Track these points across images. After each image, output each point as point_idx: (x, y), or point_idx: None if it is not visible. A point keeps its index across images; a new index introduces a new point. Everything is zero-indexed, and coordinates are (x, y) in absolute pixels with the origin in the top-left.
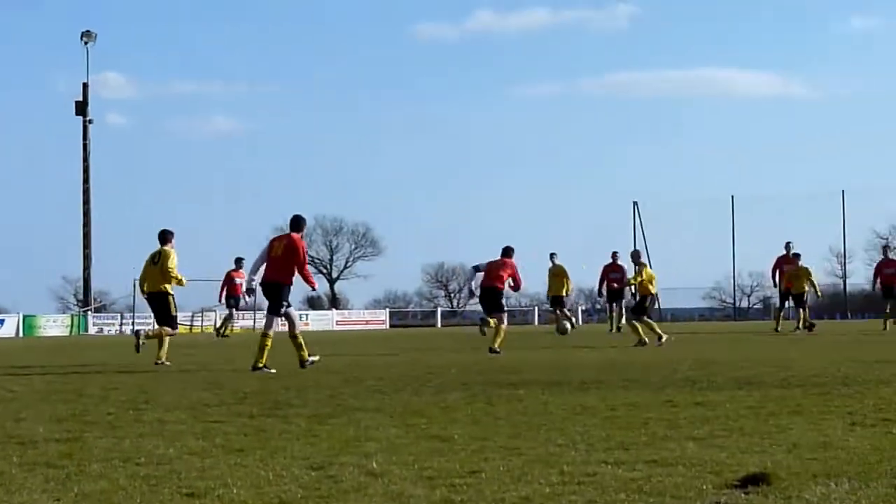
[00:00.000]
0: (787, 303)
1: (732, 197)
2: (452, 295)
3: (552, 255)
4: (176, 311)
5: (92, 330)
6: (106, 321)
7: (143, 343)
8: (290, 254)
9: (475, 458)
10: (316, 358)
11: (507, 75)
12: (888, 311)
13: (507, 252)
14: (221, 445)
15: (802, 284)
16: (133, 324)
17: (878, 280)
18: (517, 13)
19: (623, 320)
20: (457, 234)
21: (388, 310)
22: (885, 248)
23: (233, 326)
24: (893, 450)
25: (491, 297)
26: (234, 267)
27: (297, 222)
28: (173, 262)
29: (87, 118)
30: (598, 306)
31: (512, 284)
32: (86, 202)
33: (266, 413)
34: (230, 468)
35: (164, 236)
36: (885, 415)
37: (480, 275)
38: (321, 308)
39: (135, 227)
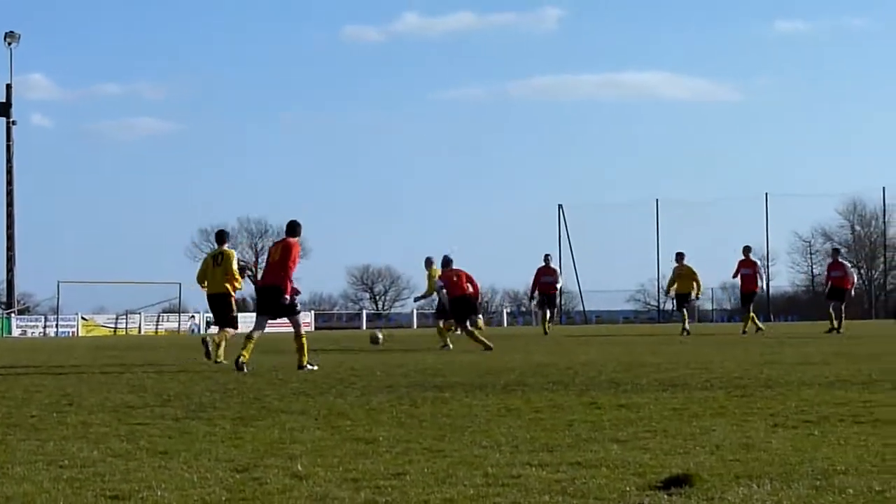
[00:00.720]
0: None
1: (657, 200)
2: (378, 297)
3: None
4: (236, 310)
5: (15, 332)
6: (30, 323)
7: (211, 347)
8: (288, 258)
9: (400, 459)
10: (315, 367)
11: (432, 79)
12: (832, 312)
13: (449, 261)
14: (146, 448)
15: (689, 284)
16: (57, 326)
17: (829, 283)
18: (443, 17)
19: (549, 323)
20: (381, 237)
21: (313, 312)
22: (836, 252)
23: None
24: (815, 451)
25: (465, 304)
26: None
27: (294, 227)
28: (235, 264)
29: (11, 119)
30: (524, 309)
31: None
32: (9, 204)
33: (190, 415)
34: (154, 471)
35: (222, 237)
36: (806, 416)
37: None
38: (246, 311)
39: (59, 229)
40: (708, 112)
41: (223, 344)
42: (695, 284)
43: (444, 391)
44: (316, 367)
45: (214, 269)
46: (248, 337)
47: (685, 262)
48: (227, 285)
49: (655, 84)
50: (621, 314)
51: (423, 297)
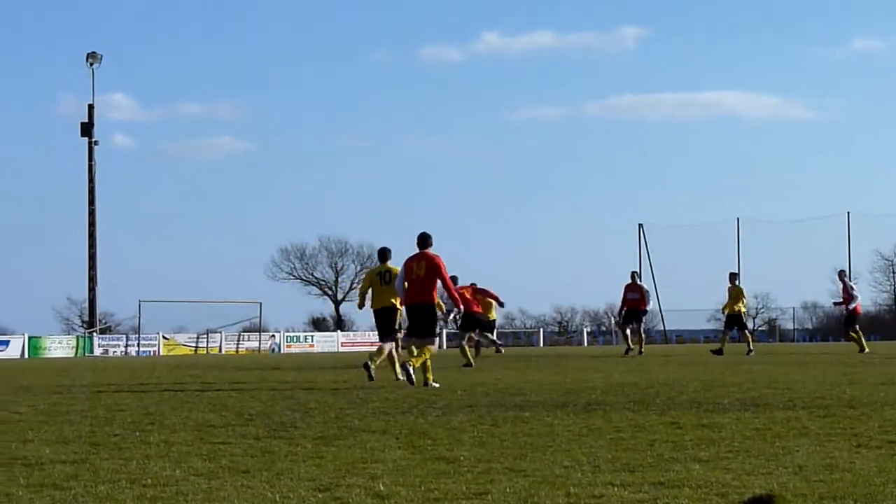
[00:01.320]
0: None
1: (738, 220)
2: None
3: (732, 276)
4: (399, 325)
5: (97, 351)
6: (111, 342)
7: (373, 368)
8: (433, 273)
9: (481, 479)
10: (436, 385)
11: (510, 99)
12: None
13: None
14: (228, 467)
15: (737, 306)
16: (139, 345)
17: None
18: (523, 36)
19: (631, 341)
20: (458, 256)
21: None
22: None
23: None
24: None
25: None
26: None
27: (426, 239)
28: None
29: (93, 139)
30: (603, 328)
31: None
32: (91, 224)
33: (272, 434)
34: (237, 490)
35: (386, 254)
36: (890, 437)
37: None
38: (326, 329)
39: (140, 248)
40: (785, 130)
41: (386, 355)
42: (741, 303)
43: (524, 410)
44: (437, 385)
45: (382, 286)
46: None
47: (737, 283)
48: (394, 300)
49: (732, 102)
50: (702, 333)
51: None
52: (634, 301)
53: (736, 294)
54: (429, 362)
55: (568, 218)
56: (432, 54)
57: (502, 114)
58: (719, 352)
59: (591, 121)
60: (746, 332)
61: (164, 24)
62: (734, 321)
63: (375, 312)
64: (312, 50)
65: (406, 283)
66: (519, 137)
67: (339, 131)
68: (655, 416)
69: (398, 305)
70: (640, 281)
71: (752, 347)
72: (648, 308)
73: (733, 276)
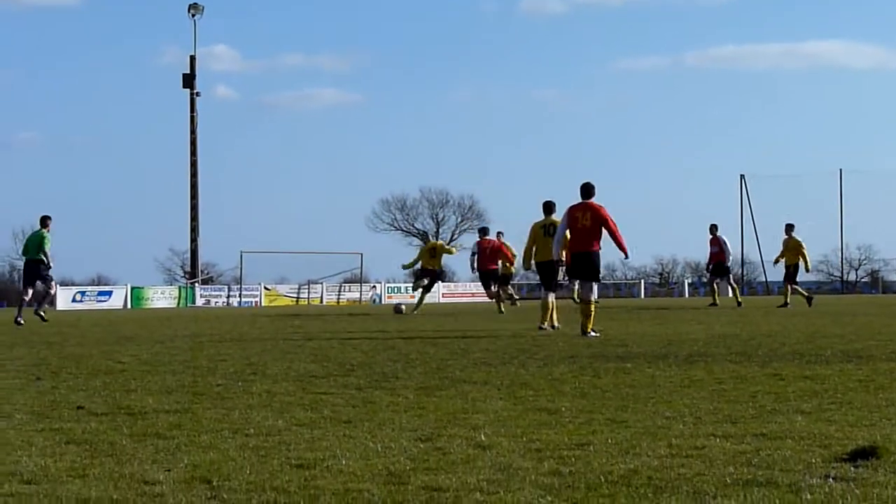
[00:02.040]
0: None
1: (840, 170)
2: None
3: (788, 227)
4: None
5: (199, 302)
6: (213, 293)
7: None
8: (599, 222)
9: (583, 430)
10: (597, 334)
11: (611, 49)
12: None
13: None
14: (329, 417)
15: (795, 257)
16: (240, 295)
17: None
18: None
19: (718, 293)
20: (561, 207)
21: None
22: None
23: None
24: None
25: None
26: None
27: (591, 189)
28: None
29: (195, 91)
30: (704, 279)
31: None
32: (193, 174)
33: (373, 385)
34: (339, 440)
35: (551, 207)
36: None
37: None
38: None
39: (242, 199)
40: (888, 80)
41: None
42: (801, 258)
43: (626, 362)
44: (599, 335)
45: (546, 238)
46: (588, 301)
47: (794, 234)
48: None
49: (837, 53)
50: (804, 285)
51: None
52: (716, 255)
53: (794, 245)
54: (593, 311)
55: (669, 169)
56: (534, 5)
57: (603, 65)
58: (784, 305)
59: (691, 71)
60: (791, 285)
61: None
62: (788, 273)
63: (539, 265)
64: (413, 1)
65: (568, 232)
66: (620, 88)
67: (441, 83)
68: (757, 367)
69: (562, 258)
70: (719, 233)
71: (740, 300)
72: (729, 262)
73: (789, 228)
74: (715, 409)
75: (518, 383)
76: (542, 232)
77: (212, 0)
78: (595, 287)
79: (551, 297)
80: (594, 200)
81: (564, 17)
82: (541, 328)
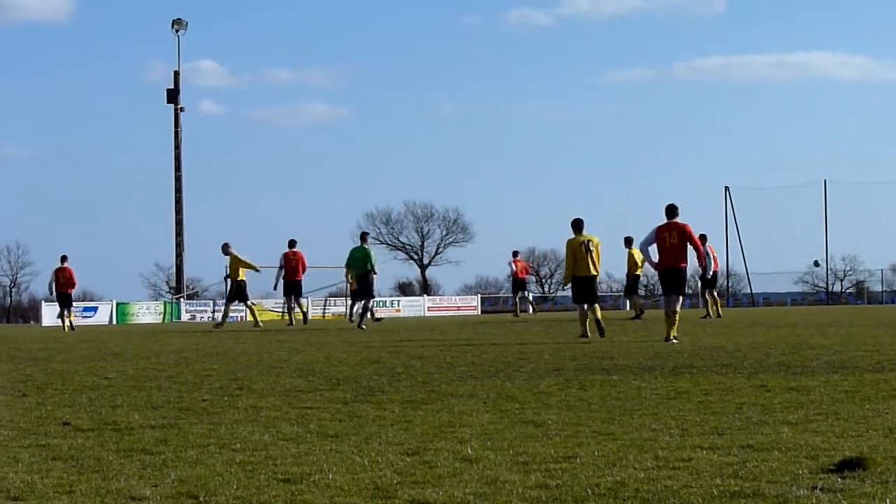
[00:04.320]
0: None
1: (825, 181)
2: (543, 280)
3: (628, 241)
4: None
5: (185, 317)
6: (198, 308)
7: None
8: (685, 241)
9: (569, 443)
10: (677, 341)
11: (598, 62)
12: None
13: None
14: (316, 431)
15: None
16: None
17: None
18: None
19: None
20: (547, 221)
21: (479, 295)
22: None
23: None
24: None
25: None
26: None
27: (674, 210)
28: (599, 251)
29: (179, 106)
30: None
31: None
32: (178, 190)
33: (359, 399)
34: (325, 454)
35: (580, 224)
36: None
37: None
38: (412, 294)
39: (226, 214)
40: (874, 92)
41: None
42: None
43: (612, 374)
44: (677, 342)
45: (586, 255)
46: (673, 312)
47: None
48: (594, 270)
49: (824, 64)
50: (789, 296)
51: None
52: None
53: (634, 261)
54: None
55: (654, 180)
56: (520, 18)
57: (590, 77)
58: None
59: (678, 83)
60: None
61: None
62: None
63: (575, 280)
64: (400, 15)
65: (657, 249)
66: (606, 101)
67: (427, 97)
68: (744, 378)
69: (597, 273)
70: (709, 243)
71: (710, 313)
72: (709, 274)
73: (629, 241)
74: (701, 420)
75: (504, 396)
76: (583, 249)
77: (199, 16)
78: (681, 299)
79: (592, 309)
80: (679, 220)
81: (550, 30)
82: (583, 336)
